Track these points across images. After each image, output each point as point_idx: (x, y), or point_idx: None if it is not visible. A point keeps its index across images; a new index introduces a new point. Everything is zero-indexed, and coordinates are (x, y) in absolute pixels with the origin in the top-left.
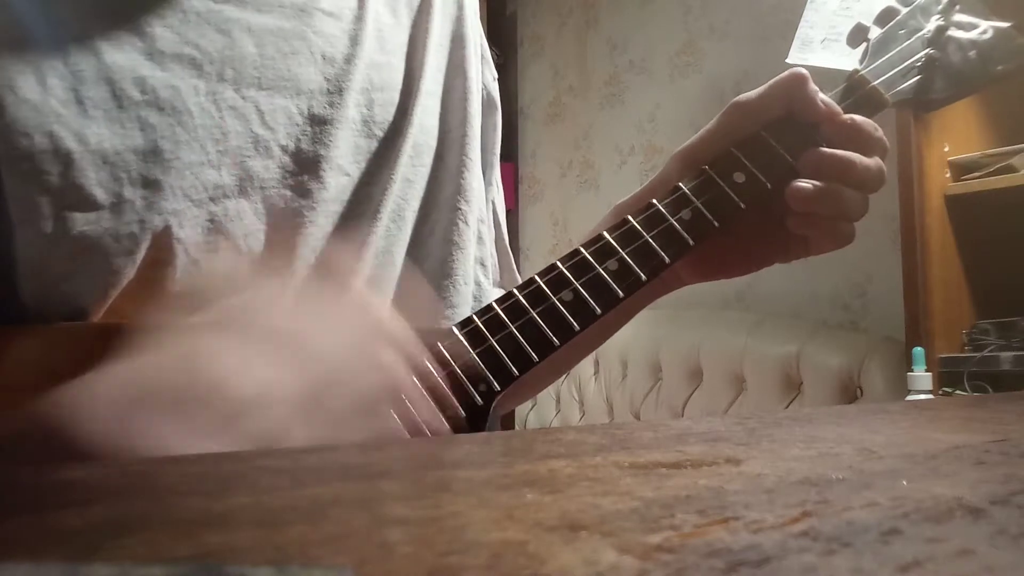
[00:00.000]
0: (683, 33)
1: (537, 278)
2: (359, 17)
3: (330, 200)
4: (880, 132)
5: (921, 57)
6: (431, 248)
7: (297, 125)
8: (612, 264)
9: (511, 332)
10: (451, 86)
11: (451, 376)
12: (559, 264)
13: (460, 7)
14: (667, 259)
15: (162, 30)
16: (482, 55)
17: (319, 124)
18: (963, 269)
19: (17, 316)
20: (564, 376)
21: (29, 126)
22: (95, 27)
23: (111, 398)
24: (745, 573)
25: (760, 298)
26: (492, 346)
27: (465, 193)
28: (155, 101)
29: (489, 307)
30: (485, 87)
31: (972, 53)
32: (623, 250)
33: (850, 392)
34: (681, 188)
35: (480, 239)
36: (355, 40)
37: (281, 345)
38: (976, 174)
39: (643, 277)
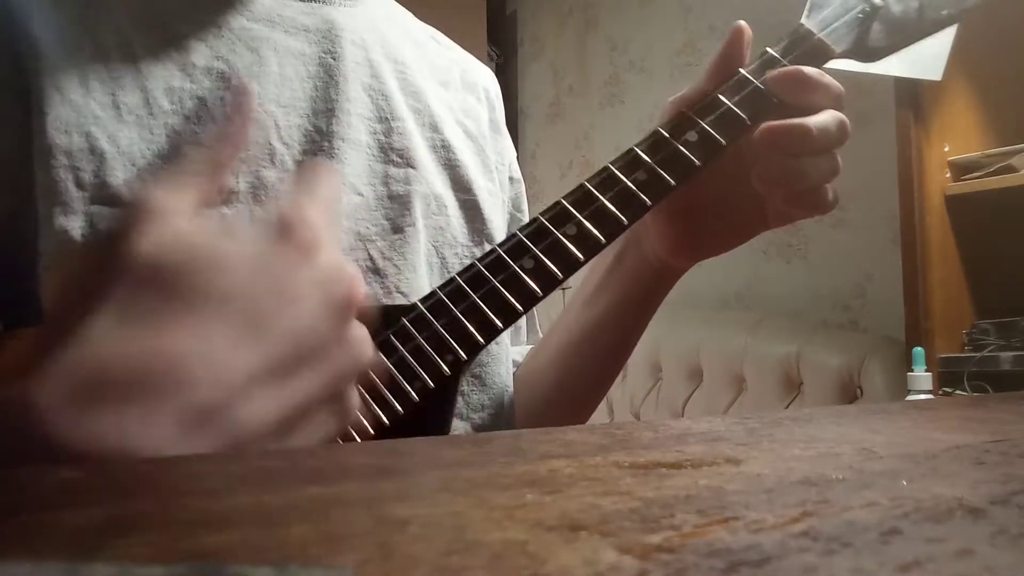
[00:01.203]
0: (683, 33)
1: (498, 248)
2: (385, 55)
3: (343, 215)
4: (827, 78)
5: (864, 6)
6: None
7: (314, 142)
8: (570, 229)
9: (474, 301)
10: (476, 149)
11: (417, 348)
12: (519, 232)
13: (483, 94)
14: (625, 220)
15: (197, 43)
16: (500, 131)
17: (338, 140)
18: (963, 269)
19: (34, 312)
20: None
21: (69, 124)
22: (137, 39)
23: (64, 388)
24: (745, 573)
25: (760, 298)
26: (457, 316)
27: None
28: (182, 111)
29: (452, 280)
30: (507, 165)
31: (914, 2)
32: (580, 214)
33: (850, 392)
34: (634, 150)
35: None
36: (377, 72)
37: (241, 313)
38: (976, 174)
39: (602, 240)
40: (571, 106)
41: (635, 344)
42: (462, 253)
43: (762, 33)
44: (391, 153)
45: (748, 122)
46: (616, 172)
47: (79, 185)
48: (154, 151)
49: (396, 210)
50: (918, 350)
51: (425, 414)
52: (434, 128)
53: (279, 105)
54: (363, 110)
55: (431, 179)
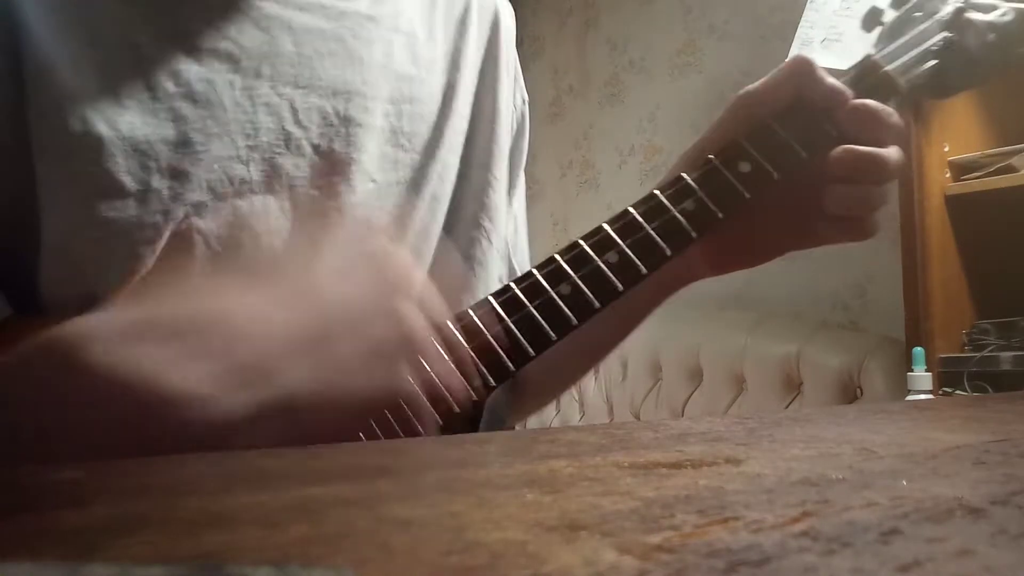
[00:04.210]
0: (683, 33)
1: (535, 271)
2: (395, 27)
3: (356, 205)
4: (896, 117)
5: (938, 41)
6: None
7: (332, 125)
8: (612, 256)
9: (508, 326)
10: (480, 107)
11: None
12: (557, 257)
13: (495, 29)
14: (669, 251)
15: (201, 25)
16: (515, 77)
17: (355, 126)
18: (963, 269)
19: (33, 301)
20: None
21: (63, 110)
22: (134, 20)
23: (115, 327)
24: (745, 573)
25: (760, 298)
26: (487, 341)
27: (489, 212)
28: (189, 94)
29: (485, 301)
30: (517, 110)
31: (991, 36)
32: (623, 242)
33: (850, 392)
34: (684, 178)
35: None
36: (388, 49)
37: (291, 283)
38: (976, 174)
39: (644, 270)
40: (571, 106)
41: (621, 342)
42: (466, 230)
43: (763, 33)
44: (400, 137)
45: (802, 154)
46: (664, 200)
47: (75, 175)
48: (159, 135)
49: (410, 203)
50: (918, 350)
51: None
52: (448, 111)
53: (296, 86)
54: (377, 91)
55: (437, 162)
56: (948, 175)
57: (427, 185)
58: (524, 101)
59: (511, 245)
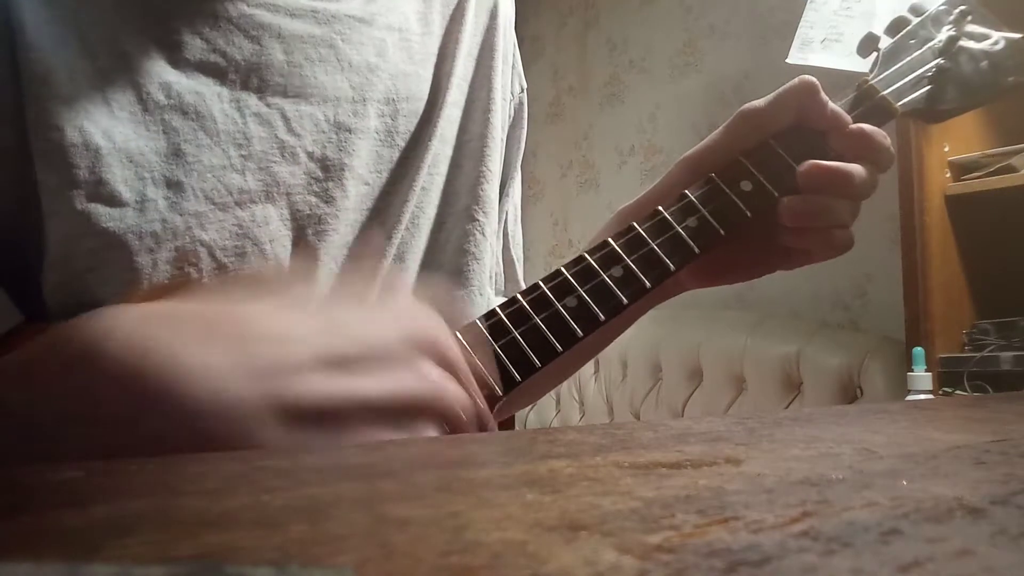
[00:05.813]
0: (683, 33)
1: (542, 283)
2: (388, 25)
3: (351, 209)
4: (888, 141)
5: (932, 67)
6: (446, 257)
7: (323, 132)
8: (617, 271)
9: (514, 337)
10: (475, 96)
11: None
12: (564, 270)
13: (493, 16)
14: (672, 267)
15: (190, 37)
16: (513, 66)
17: (344, 132)
18: (963, 269)
19: (39, 309)
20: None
21: (61, 119)
22: (125, 32)
23: (135, 315)
24: (745, 573)
25: (760, 298)
26: (495, 351)
27: (483, 204)
28: (179, 105)
29: (492, 312)
30: (514, 98)
31: (984, 64)
32: (628, 257)
33: (850, 392)
34: (688, 196)
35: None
36: (382, 49)
37: (319, 313)
38: (976, 174)
39: (648, 284)
40: (571, 106)
41: (610, 342)
42: (460, 222)
43: (763, 33)
44: (395, 136)
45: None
46: (668, 217)
47: (74, 184)
48: (151, 147)
49: (399, 196)
50: (918, 350)
51: None
52: (439, 103)
53: (285, 96)
54: (370, 94)
55: (431, 155)
56: (948, 175)
57: (417, 177)
58: (522, 89)
59: (510, 236)
